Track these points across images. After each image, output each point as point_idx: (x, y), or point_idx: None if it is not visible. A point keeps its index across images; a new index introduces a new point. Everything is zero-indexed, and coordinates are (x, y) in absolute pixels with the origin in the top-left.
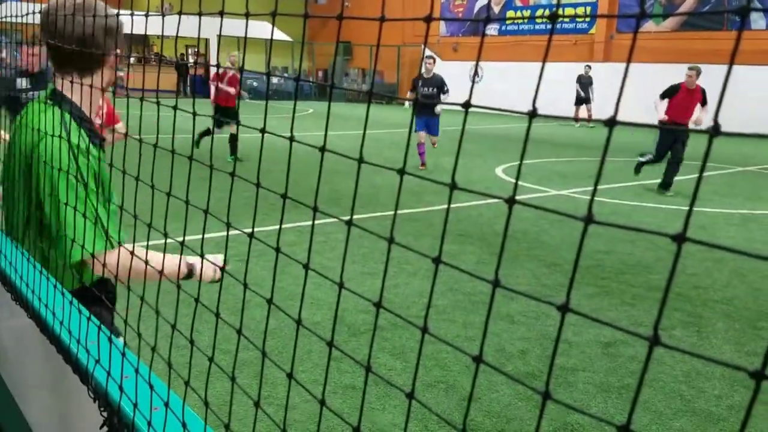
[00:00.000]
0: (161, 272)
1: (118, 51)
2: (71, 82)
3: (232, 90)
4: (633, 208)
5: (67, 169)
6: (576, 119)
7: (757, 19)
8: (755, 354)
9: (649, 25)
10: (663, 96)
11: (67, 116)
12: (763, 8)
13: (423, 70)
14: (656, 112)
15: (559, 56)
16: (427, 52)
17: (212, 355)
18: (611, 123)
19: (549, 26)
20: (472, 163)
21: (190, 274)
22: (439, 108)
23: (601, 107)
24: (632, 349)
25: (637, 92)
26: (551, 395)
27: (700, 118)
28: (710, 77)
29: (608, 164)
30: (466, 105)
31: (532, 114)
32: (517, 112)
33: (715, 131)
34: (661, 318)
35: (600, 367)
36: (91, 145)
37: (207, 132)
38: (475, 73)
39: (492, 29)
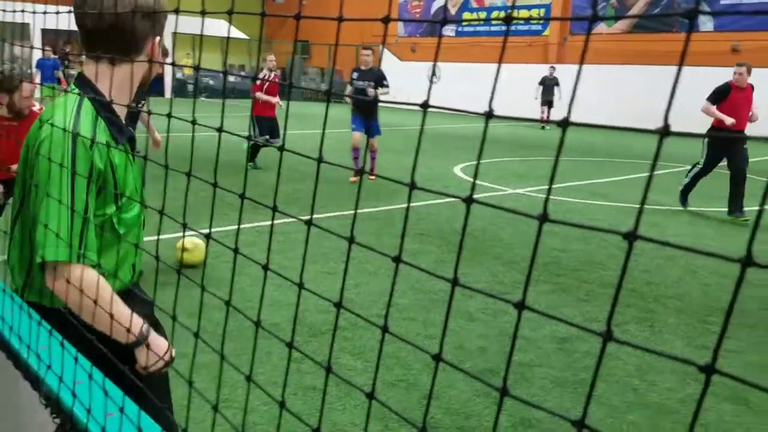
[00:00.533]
0: (111, 317)
1: (157, 38)
2: (108, 63)
3: (274, 99)
4: (587, 206)
5: (61, 160)
6: (540, 121)
7: (705, 22)
8: (705, 348)
9: (600, 27)
10: (713, 100)
11: (86, 103)
12: (711, 11)
13: (360, 62)
14: (712, 117)
15: (515, 58)
16: (365, 45)
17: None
18: (564, 124)
19: (504, 28)
20: (431, 162)
21: (138, 341)
22: (371, 92)
23: (559, 109)
24: (587, 345)
25: (598, 93)
26: (509, 391)
27: (755, 113)
28: (661, 78)
29: (564, 163)
30: (424, 105)
31: (489, 115)
32: (473, 113)
33: (665, 131)
34: (613, 314)
35: (556, 363)
36: (110, 139)
37: (256, 149)
38: (433, 73)
39: (449, 30)
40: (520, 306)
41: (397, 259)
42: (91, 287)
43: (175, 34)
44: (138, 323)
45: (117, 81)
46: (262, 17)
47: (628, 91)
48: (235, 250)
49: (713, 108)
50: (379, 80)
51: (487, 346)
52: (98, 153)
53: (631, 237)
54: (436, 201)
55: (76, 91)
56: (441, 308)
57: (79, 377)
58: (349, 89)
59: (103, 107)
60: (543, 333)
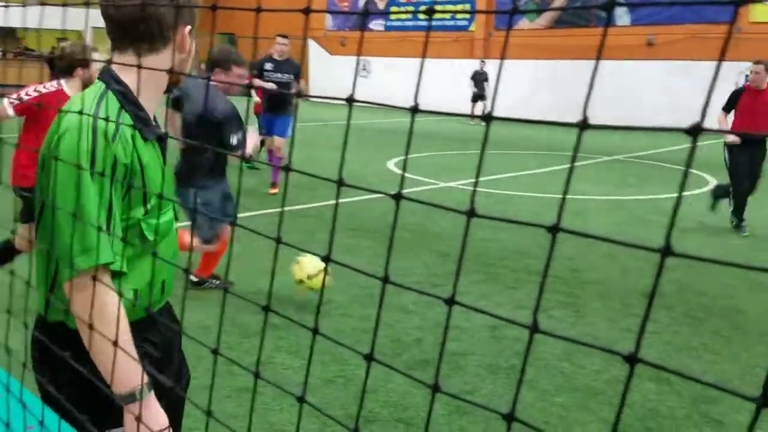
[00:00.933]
0: (116, 345)
1: (189, 26)
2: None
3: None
4: (515, 198)
5: (78, 155)
6: (467, 115)
7: (622, 15)
8: (628, 330)
9: (524, 23)
10: (727, 108)
11: (110, 95)
12: (627, 3)
13: (274, 51)
14: (721, 131)
15: (442, 53)
16: (281, 33)
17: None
18: (488, 118)
19: (431, 23)
20: (365, 157)
21: (135, 394)
22: (295, 86)
23: (487, 103)
24: (516, 331)
25: (531, 87)
26: (440, 388)
27: None
28: (580, 72)
29: (493, 157)
30: (350, 100)
31: (414, 110)
32: (399, 108)
33: (584, 124)
34: (539, 304)
35: (488, 350)
36: (136, 134)
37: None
38: (361, 67)
39: (378, 25)
40: (450, 302)
41: (327, 259)
42: (105, 315)
43: (94, 29)
44: (136, 378)
45: (147, 74)
46: (177, 9)
47: (558, 85)
48: (154, 254)
49: (723, 119)
50: (298, 73)
51: (422, 337)
52: (122, 146)
53: (554, 230)
54: (371, 196)
55: (99, 83)
56: (377, 303)
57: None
58: (258, 82)
59: (128, 101)
60: (475, 322)
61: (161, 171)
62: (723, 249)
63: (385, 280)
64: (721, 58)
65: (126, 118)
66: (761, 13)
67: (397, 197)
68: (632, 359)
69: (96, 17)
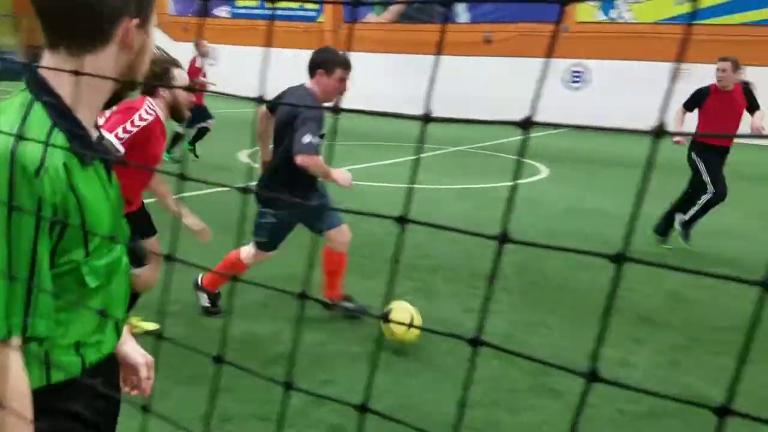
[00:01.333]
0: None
1: (137, 19)
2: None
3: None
4: (365, 188)
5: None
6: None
7: (460, 14)
8: (473, 311)
9: (370, 16)
10: (688, 106)
11: (38, 109)
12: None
13: None
14: (676, 129)
15: (291, 43)
16: None
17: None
18: (338, 110)
19: (280, 13)
20: (216, 148)
21: None
22: None
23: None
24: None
25: (384, 80)
26: (293, 384)
27: (759, 125)
28: (421, 67)
29: (343, 148)
30: (191, 89)
31: (260, 100)
32: (247, 98)
33: (427, 117)
34: (392, 292)
35: (347, 338)
36: (70, 160)
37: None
38: (202, 54)
39: (223, 11)
40: (302, 296)
41: (169, 258)
42: (10, 374)
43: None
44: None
45: (86, 81)
46: None
47: (407, 79)
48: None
49: (681, 115)
50: None
51: (278, 331)
52: (49, 181)
53: (402, 221)
54: (217, 190)
55: (24, 94)
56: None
57: None
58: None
59: (61, 115)
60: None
61: (107, 201)
62: (556, 231)
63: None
64: (549, 55)
65: (58, 138)
66: (586, 14)
67: (244, 190)
68: (475, 342)
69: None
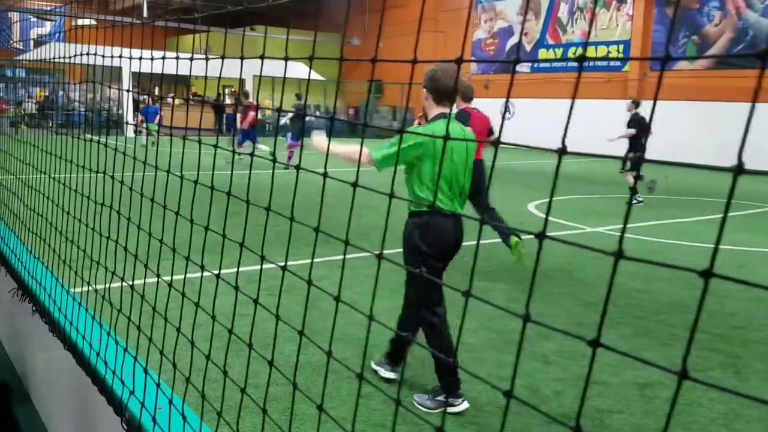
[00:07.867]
0: None
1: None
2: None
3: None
4: (671, 246)
5: None
6: (619, 158)
7: None
8: None
9: (683, 64)
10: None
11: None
12: None
13: None
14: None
15: (593, 93)
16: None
17: (244, 387)
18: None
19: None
20: (505, 199)
21: None
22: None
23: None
24: (669, 391)
25: (692, 130)
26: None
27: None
28: (734, 114)
29: (646, 201)
30: (496, 142)
31: (562, 151)
32: (545, 149)
33: (739, 169)
34: (689, 351)
35: (636, 409)
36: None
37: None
38: (506, 110)
39: (524, 67)
40: (595, 343)
41: (467, 294)
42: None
43: (260, 77)
44: None
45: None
46: (340, 62)
47: (717, 128)
48: (309, 282)
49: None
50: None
51: (563, 390)
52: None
53: (707, 275)
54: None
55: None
56: (512, 349)
57: (160, 404)
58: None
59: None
60: (623, 378)
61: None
62: None
63: (526, 318)
64: None
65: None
66: None
67: (541, 236)
68: None
69: (255, 65)
